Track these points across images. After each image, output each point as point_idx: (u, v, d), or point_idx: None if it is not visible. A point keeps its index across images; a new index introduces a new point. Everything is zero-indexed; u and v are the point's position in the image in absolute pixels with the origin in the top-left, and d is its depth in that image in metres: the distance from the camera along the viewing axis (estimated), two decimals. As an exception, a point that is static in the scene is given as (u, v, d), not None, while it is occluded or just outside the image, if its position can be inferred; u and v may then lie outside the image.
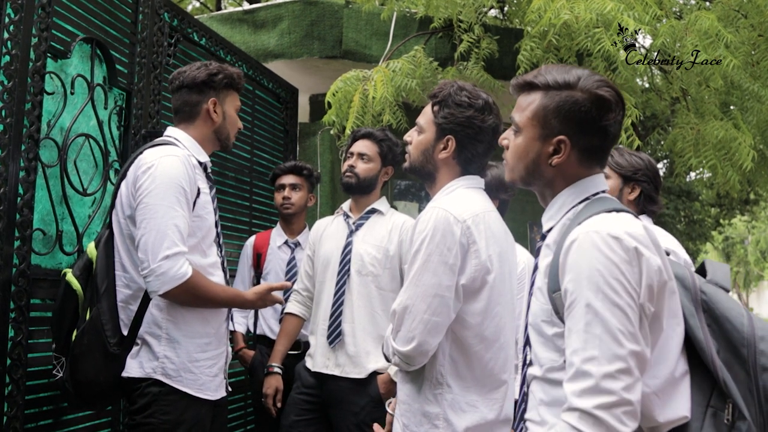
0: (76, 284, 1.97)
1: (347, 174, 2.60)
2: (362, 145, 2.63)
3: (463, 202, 1.71)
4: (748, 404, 1.20)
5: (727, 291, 1.30)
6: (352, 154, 2.63)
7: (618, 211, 1.22)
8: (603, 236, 1.15)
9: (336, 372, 2.46)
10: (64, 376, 1.93)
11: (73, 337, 1.94)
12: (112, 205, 2.01)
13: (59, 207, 2.29)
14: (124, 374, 1.92)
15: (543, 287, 1.27)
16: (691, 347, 1.25)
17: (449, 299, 1.63)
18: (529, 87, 1.32)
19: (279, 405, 2.67)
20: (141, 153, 1.99)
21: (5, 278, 2.01)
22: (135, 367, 1.92)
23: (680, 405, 1.20)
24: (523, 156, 1.33)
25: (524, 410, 1.33)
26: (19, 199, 2.08)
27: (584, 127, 1.26)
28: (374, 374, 2.43)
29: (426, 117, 1.83)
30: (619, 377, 1.08)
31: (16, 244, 2.06)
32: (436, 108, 1.80)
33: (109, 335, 1.89)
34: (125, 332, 1.92)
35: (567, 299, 1.17)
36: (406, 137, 1.90)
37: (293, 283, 3.14)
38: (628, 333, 1.10)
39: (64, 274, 2.00)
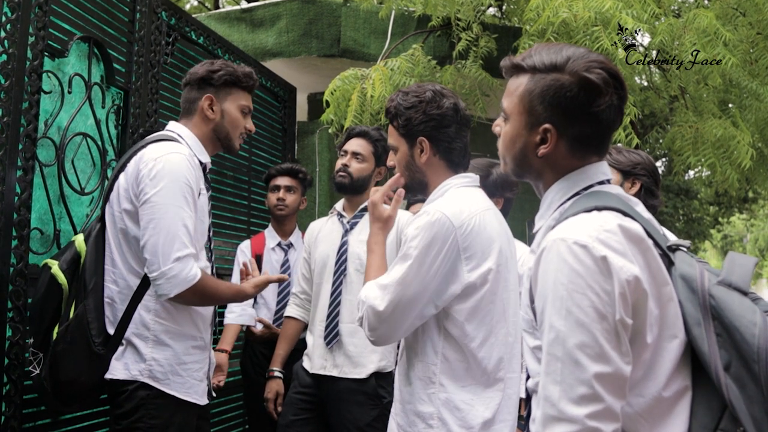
0: (62, 278, 1.89)
1: (341, 173, 2.57)
2: (357, 144, 2.61)
3: (457, 203, 1.71)
4: (763, 429, 1.00)
5: (745, 293, 1.06)
6: (345, 152, 2.61)
7: (600, 209, 1.08)
8: (569, 245, 1.03)
9: (334, 372, 2.45)
10: (42, 373, 1.85)
11: (55, 334, 1.87)
12: (107, 198, 1.93)
13: (57, 206, 2.28)
14: (108, 376, 1.84)
15: (525, 296, 1.18)
16: (697, 361, 1.07)
17: (428, 305, 1.64)
18: (517, 70, 1.20)
19: (280, 409, 2.66)
20: (144, 147, 1.91)
21: (2, 278, 2.01)
22: (120, 368, 1.84)
23: (674, 428, 1.04)
24: (511, 146, 1.22)
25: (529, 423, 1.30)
26: (16, 198, 2.07)
27: (572, 114, 1.13)
28: (373, 374, 2.42)
29: (392, 135, 1.85)
30: (583, 404, 0.97)
31: (14, 243, 2.06)
32: (394, 123, 1.82)
33: (94, 334, 1.82)
34: (111, 331, 1.86)
35: (538, 315, 1.08)
36: (389, 163, 1.92)
37: (286, 285, 3.14)
38: (594, 354, 0.98)
39: (49, 267, 1.91)
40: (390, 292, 1.63)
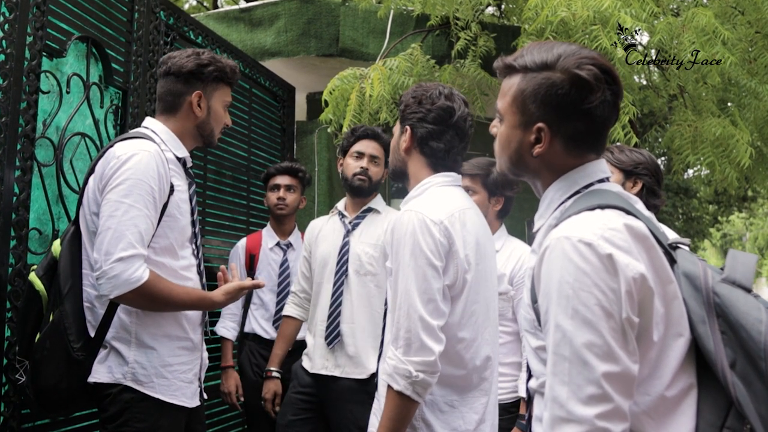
0: (39, 284, 1.85)
1: (360, 177, 2.54)
2: (373, 148, 2.59)
3: (436, 202, 1.71)
4: None
5: (748, 290, 1.07)
6: (361, 154, 2.58)
7: (603, 207, 1.08)
8: (573, 243, 1.02)
9: (336, 373, 2.45)
10: (26, 381, 1.83)
11: (37, 341, 1.83)
12: (80, 201, 1.88)
13: (55, 206, 2.28)
14: (91, 379, 1.80)
15: (526, 296, 1.18)
16: (702, 358, 1.07)
17: (440, 302, 1.62)
18: (509, 70, 1.21)
19: (278, 409, 2.66)
20: (111, 146, 1.85)
21: (1, 278, 2.00)
22: (103, 372, 1.80)
23: (681, 426, 1.02)
24: (506, 146, 1.22)
25: (530, 425, 1.29)
26: (14, 198, 2.07)
27: (565, 112, 1.13)
28: (374, 375, 2.42)
29: (398, 121, 1.90)
30: (592, 404, 0.96)
31: (12, 243, 2.06)
32: (399, 107, 1.88)
33: (72, 339, 1.77)
34: (92, 334, 1.80)
35: (542, 314, 1.06)
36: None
37: (285, 285, 3.12)
38: (602, 353, 0.97)
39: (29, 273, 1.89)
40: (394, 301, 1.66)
